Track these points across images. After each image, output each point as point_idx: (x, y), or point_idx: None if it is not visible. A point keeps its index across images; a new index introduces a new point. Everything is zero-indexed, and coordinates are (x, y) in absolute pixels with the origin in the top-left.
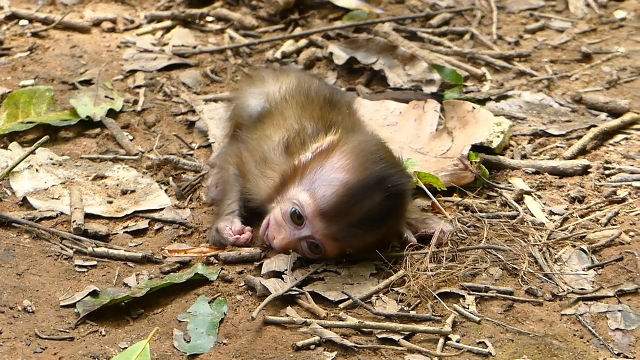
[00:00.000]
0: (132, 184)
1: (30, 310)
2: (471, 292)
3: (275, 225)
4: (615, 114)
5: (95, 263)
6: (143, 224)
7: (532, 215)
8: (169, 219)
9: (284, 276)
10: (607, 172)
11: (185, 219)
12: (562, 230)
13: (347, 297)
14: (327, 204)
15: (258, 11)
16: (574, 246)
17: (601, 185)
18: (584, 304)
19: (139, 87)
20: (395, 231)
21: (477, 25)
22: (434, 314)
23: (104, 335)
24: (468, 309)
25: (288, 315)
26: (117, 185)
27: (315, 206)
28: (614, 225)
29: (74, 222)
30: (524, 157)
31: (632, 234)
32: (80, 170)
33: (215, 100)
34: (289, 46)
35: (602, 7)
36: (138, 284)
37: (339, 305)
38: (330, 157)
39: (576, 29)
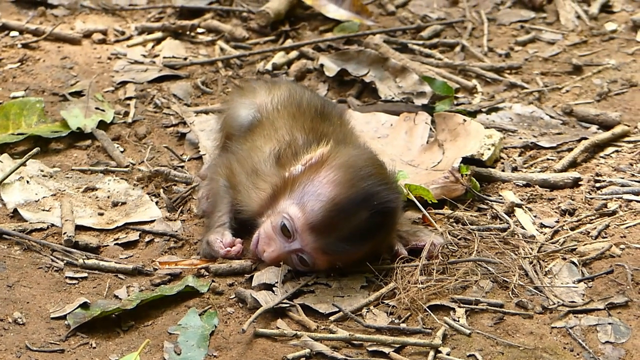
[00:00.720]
0: (122, 196)
1: (21, 322)
2: (461, 305)
3: (265, 237)
4: (605, 126)
5: (85, 275)
6: (133, 236)
7: (523, 228)
8: (159, 231)
9: (274, 288)
10: (597, 185)
11: (176, 231)
12: (553, 243)
13: (337, 309)
14: (315, 218)
15: (248, 22)
16: (564, 259)
17: (591, 198)
18: (574, 316)
19: (130, 98)
20: (386, 244)
21: (467, 37)
22: (424, 326)
23: (94, 347)
24: (458, 321)
25: (278, 328)
26: (108, 197)
27: (305, 220)
28: (604, 237)
29: (65, 233)
30: (515, 169)
31: (622, 246)
32: (71, 182)
33: (206, 112)
34: (279, 58)
35: (592, 19)
36: (128, 295)
37: (329, 318)
38: (319, 171)
39: (567, 40)
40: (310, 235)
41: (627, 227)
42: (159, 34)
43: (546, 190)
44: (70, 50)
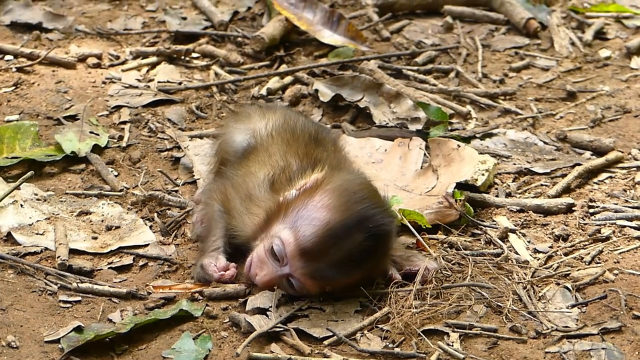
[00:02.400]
0: (116, 220)
1: (14, 346)
2: (455, 329)
3: (258, 261)
4: (599, 152)
5: (79, 298)
6: (127, 260)
7: (516, 253)
8: (153, 255)
9: (268, 312)
10: (591, 211)
11: (170, 255)
12: (546, 268)
13: (331, 333)
14: (307, 242)
15: (243, 48)
16: (558, 284)
17: (585, 224)
18: (568, 341)
19: (124, 122)
20: (379, 269)
21: (462, 63)
22: (418, 351)
23: None
24: (452, 346)
25: (272, 352)
26: (102, 221)
27: (296, 244)
28: (597, 263)
29: (58, 257)
30: (509, 194)
31: (615, 272)
32: (65, 206)
33: (200, 137)
34: (274, 83)
35: (586, 46)
36: (122, 319)
37: (324, 342)
38: (313, 195)
39: (561, 67)
40: (300, 260)
41: (620, 253)
42: (153, 59)
43: (540, 216)
44: (64, 74)
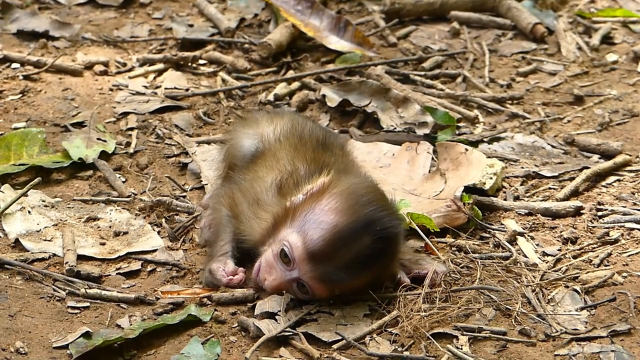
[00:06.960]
0: (124, 226)
1: (23, 352)
2: (464, 333)
3: (266, 266)
4: (607, 155)
5: (87, 304)
6: (136, 265)
7: (525, 256)
8: (161, 260)
9: (277, 317)
10: (599, 213)
11: (178, 260)
12: (555, 271)
13: (340, 337)
14: (315, 246)
15: (250, 54)
16: (567, 286)
17: (593, 226)
18: (577, 344)
19: (131, 129)
20: (388, 273)
21: (469, 68)
22: (427, 354)
23: None
24: (461, 349)
25: (281, 356)
26: (110, 227)
27: (304, 248)
28: (606, 265)
29: (67, 263)
30: (517, 198)
31: (624, 274)
32: (73, 212)
33: (208, 142)
34: (281, 88)
35: (593, 50)
36: (131, 325)
37: (333, 346)
38: (320, 199)
39: (568, 71)
40: (308, 264)
41: (629, 255)
42: (160, 65)
43: (548, 219)
44: (71, 81)
